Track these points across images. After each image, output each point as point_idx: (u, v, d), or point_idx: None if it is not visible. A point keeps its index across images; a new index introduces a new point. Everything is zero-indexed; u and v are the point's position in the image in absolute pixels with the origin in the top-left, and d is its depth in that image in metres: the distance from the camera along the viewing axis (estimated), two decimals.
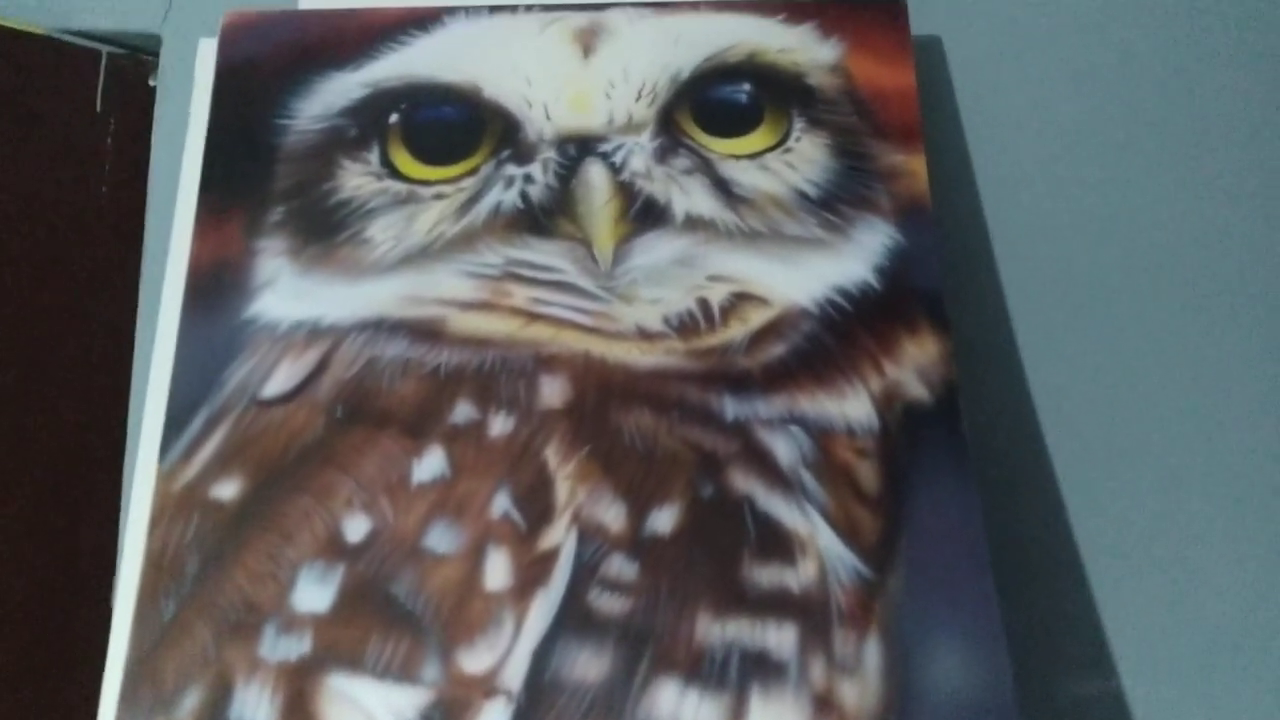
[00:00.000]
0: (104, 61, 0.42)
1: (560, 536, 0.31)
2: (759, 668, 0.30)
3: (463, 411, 0.33)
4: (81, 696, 0.34)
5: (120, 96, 0.42)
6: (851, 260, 0.36)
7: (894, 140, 0.37)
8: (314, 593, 0.31)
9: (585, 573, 0.31)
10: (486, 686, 0.30)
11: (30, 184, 0.41)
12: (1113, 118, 0.41)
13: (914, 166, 0.37)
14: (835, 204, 0.36)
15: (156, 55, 0.43)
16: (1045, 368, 0.39)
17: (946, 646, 0.31)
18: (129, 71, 0.43)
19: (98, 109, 0.42)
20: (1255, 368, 0.39)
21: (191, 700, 0.30)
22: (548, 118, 0.37)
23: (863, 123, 0.38)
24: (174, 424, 0.33)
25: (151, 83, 0.43)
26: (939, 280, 0.35)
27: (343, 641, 0.30)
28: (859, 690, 0.30)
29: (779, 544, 0.32)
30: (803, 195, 0.37)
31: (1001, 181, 0.41)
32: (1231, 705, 0.37)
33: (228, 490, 0.32)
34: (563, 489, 0.32)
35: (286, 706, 0.29)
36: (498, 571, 0.31)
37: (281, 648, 0.30)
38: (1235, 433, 0.39)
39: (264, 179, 0.36)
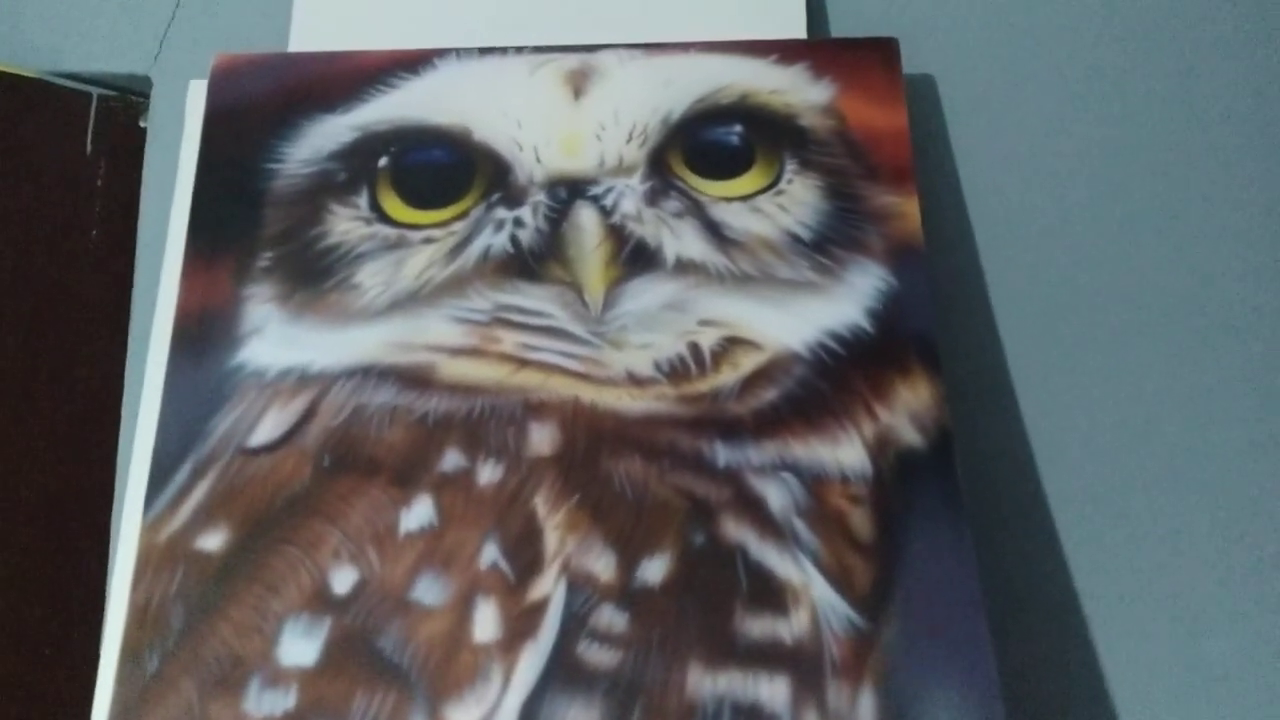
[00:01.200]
0: (94, 103, 0.42)
1: (549, 587, 0.31)
2: None
3: (451, 460, 0.33)
4: None
5: (111, 138, 0.42)
6: (843, 303, 0.35)
7: (886, 181, 0.37)
8: (300, 646, 0.30)
9: (575, 624, 0.31)
10: None
11: (20, 225, 0.40)
12: (1107, 157, 0.41)
13: (906, 208, 0.37)
14: (827, 246, 0.36)
15: (147, 97, 0.43)
16: (1039, 410, 0.39)
17: (941, 696, 0.30)
18: (119, 113, 0.43)
19: (88, 150, 0.42)
20: (1253, 409, 0.39)
21: None
22: (538, 160, 0.37)
23: (855, 164, 0.38)
24: (159, 474, 0.33)
25: (142, 124, 0.43)
26: (932, 323, 0.35)
27: (329, 696, 0.30)
28: None
29: (771, 594, 0.31)
30: (794, 238, 0.36)
31: (995, 221, 0.41)
32: None
33: (213, 541, 0.32)
34: (552, 538, 0.32)
35: None
36: (486, 623, 0.31)
37: (267, 703, 0.30)
38: (1232, 475, 0.38)
39: (252, 224, 0.36)
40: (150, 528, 0.32)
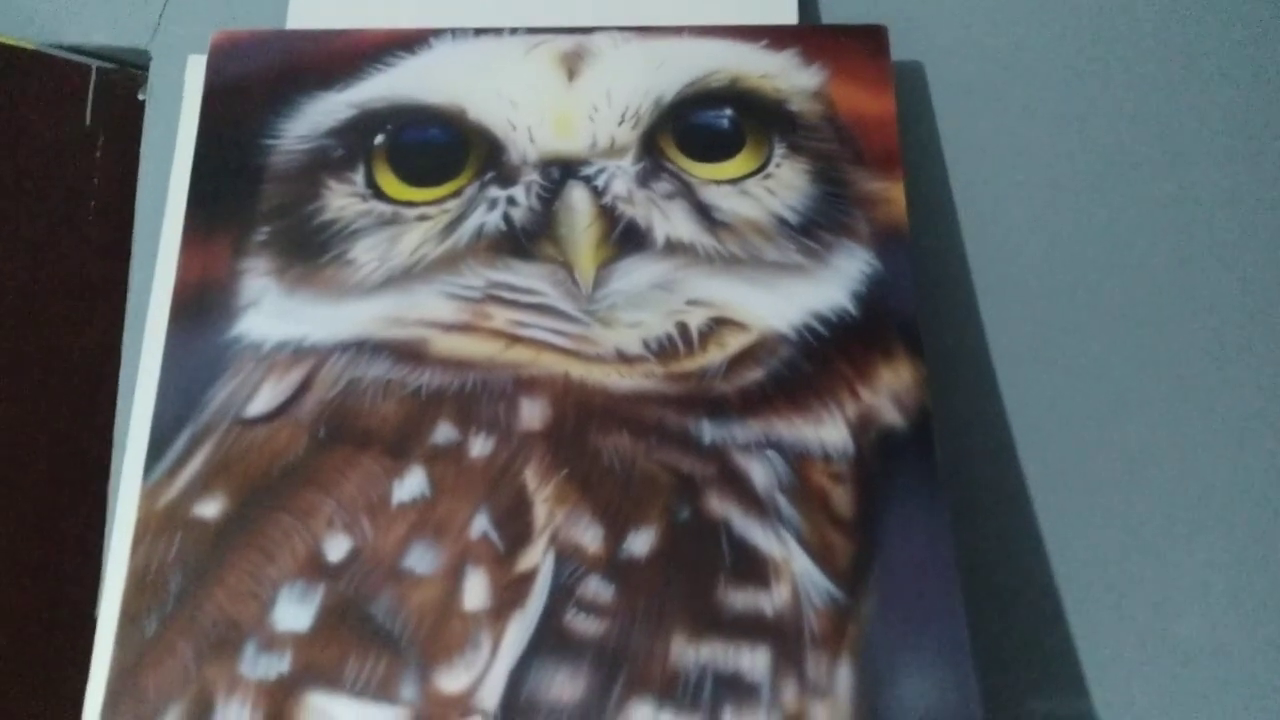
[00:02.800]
0: (94, 76, 0.43)
1: (538, 558, 0.32)
2: (732, 689, 0.31)
3: (443, 432, 0.33)
4: (64, 712, 0.34)
5: (110, 111, 0.42)
6: (830, 286, 0.36)
7: (874, 167, 0.38)
8: (294, 612, 0.31)
9: (562, 594, 0.31)
10: (463, 706, 0.30)
11: (19, 197, 0.41)
12: (1093, 145, 0.42)
13: (893, 193, 0.37)
14: (814, 230, 0.37)
15: (146, 70, 0.43)
16: (1019, 392, 0.39)
17: (917, 669, 0.31)
18: (118, 86, 0.43)
19: (87, 123, 0.42)
20: (1230, 392, 0.40)
21: (172, 717, 0.30)
22: (531, 140, 0.37)
23: (843, 149, 0.38)
24: (158, 442, 0.33)
25: (141, 97, 0.43)
26: (915, 306, 0.36)
27: (322, 660, 0.31)
28: (830, 712, 0.31)
29: (754, 567, 0.32)
30: (782, 221, 0.37)
31: (980, 208, 0.41)
32: None
33: (210, 509, 0.32)
34: (541, 511, 0.32)
35: None
36: (476, 592, 0.31)
37: (261, 666, 0.31)
38: (1208, 457, 0.39)
39: (250, 199, 0.37)
40: (149, 494, 0.33)
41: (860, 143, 0.38)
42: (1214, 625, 0.38)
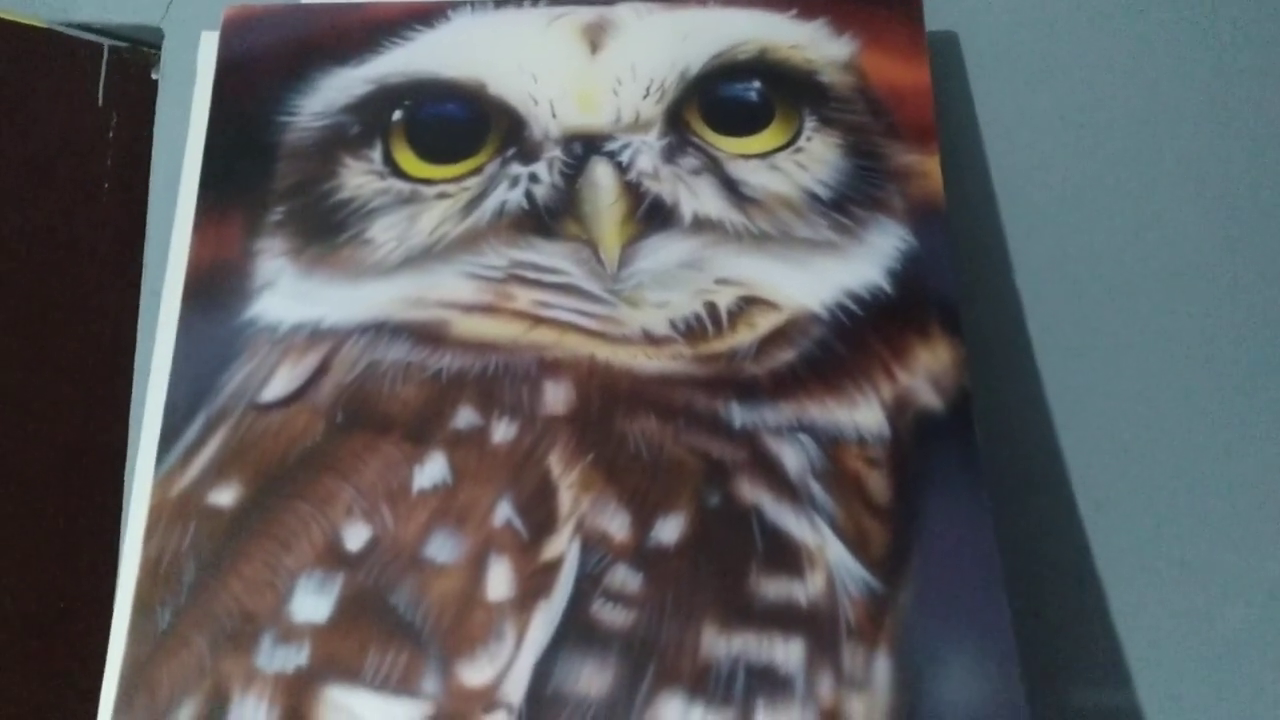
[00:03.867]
0: (106, 55, 0.42)
1: (563, 546, 0.31)
2: (765, 682, 0.30)
3: (465, 417, 0.32)
4: (81, 705, 0.34)
5: (122, 90, 0.42)
6: (863, 263, 0.35)
7: (908, 140, 0.37)
8: (312, 602, 0.30)
9: (588, 583, 0.30)
10: (487, 700, 0.29)
11: (32, 179, 0.40)
12: (1133, 115, 0.41)
13: (928, 167, 0.36)
14: (847, 205, 0.36)
15: (159, 48, 0.42)
16: (1061, 374, 0.38)
17: (958, 661, 0.30)
18: (131, 65, 0.42)
19: (100, 103, 0.41)
20: (1275, 374, 0.38)
21: (187, 712, 0.29)
22: (554, 115, 0.36)
23: (876, 122, 0.37)
24: (171, 428, 0.32)
25: (154, 76, 0.42)
26: (953, 284, 0.35)
27: (341, 652, 0.30)
28: (867, 706, 0.30)
29: (787, 556, 0.31)
30: (813, 196, 0.36)
31: (1018, 182, 0.40)
32: (1244, 715, 0.36)
33: (225, 496, 0.32)
34: (566, 497, 0.31)
35: (283, 718, 0.29)
36: (499, 582, 0.30)
37: (279, 658, 0.30)
38: (1255, 441, 0.38)
39: (265, 178, 0.36)
40: (162, 482, 0.32)
41: (893, 115, 0.37)
42: (1260, 615, 0.37)
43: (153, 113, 0.41)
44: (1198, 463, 0.38)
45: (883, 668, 0.30)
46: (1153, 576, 0.37)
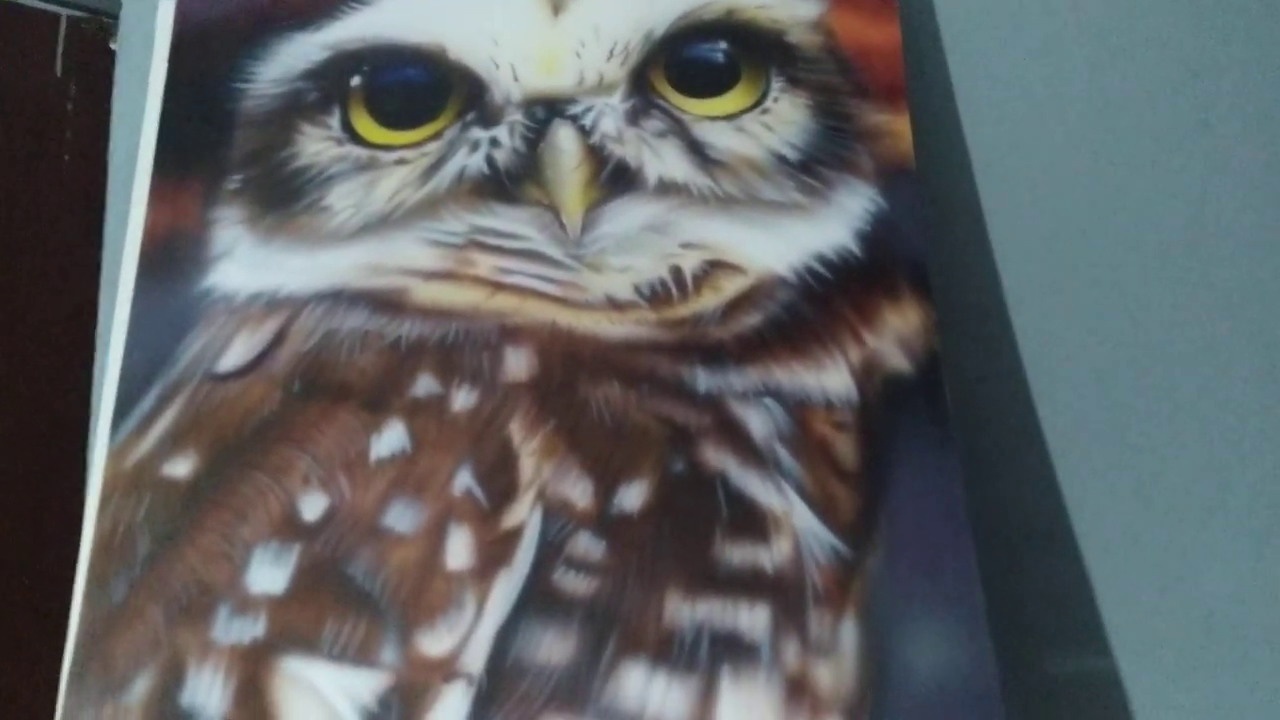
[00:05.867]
0: (64, 25, 0.41)
1: (524, 514, 0.30)
2: (730, 649, 0.29)
3: (424, 384, 0.32)
4: (49, 680, 0.33)
5: (80, 60, 0.41)
6: (831, 225, 0.34)
7: (877, 99, 0.36)
8: (268, 573, 0.30)
9: (550, 551, 0.30)
10: (447, 670, 0.29)
11: None
12: (1108, 74, 0.40)
13: (897, 127, 0.36)
14: (815, 167, 0.35)
15: (116, 18, 0.42)
16: (1032, 336, 0.38)
17: (927, 626, 0.30)
18: (89, 34, 0.42)
19: (58, 73, 0.41)
20: (1250, 338, 0.38)
21: (142, 684, 0.29)
22: (515, 79, 0.36)
23: (844, 81, 0.36)
24: (126, 399, 0.32)
25: (112, 46, 0.41)
26: (922, 246, 0.34)
27: (298, 624, 0.29)
28: (834, 672, 0.29)
29: (752, 521, 0.31)
30: (781, 158, 0.35)
31: (990, 142, 0.39)
32: (1222, 682, 0.36)
33: (181, 468, 0.31)
34: (527, 465, 0.31)
35: (240, 691, 0.29)
36: (459, 551, 0.30)
37: (235, 630, 0.29)
38: (1228, 404, 0.37)
39: (221, 145, 0.35)
40: (116, 454, 0.31)
41: (863, 75, 0.36)
42: (1239, 580, 0.36)
43: (111, 82, 0.41)
44: (1173, 425, 0.37)
45: (850, 633, 0.30)
46: (1128, 541, 0.37)
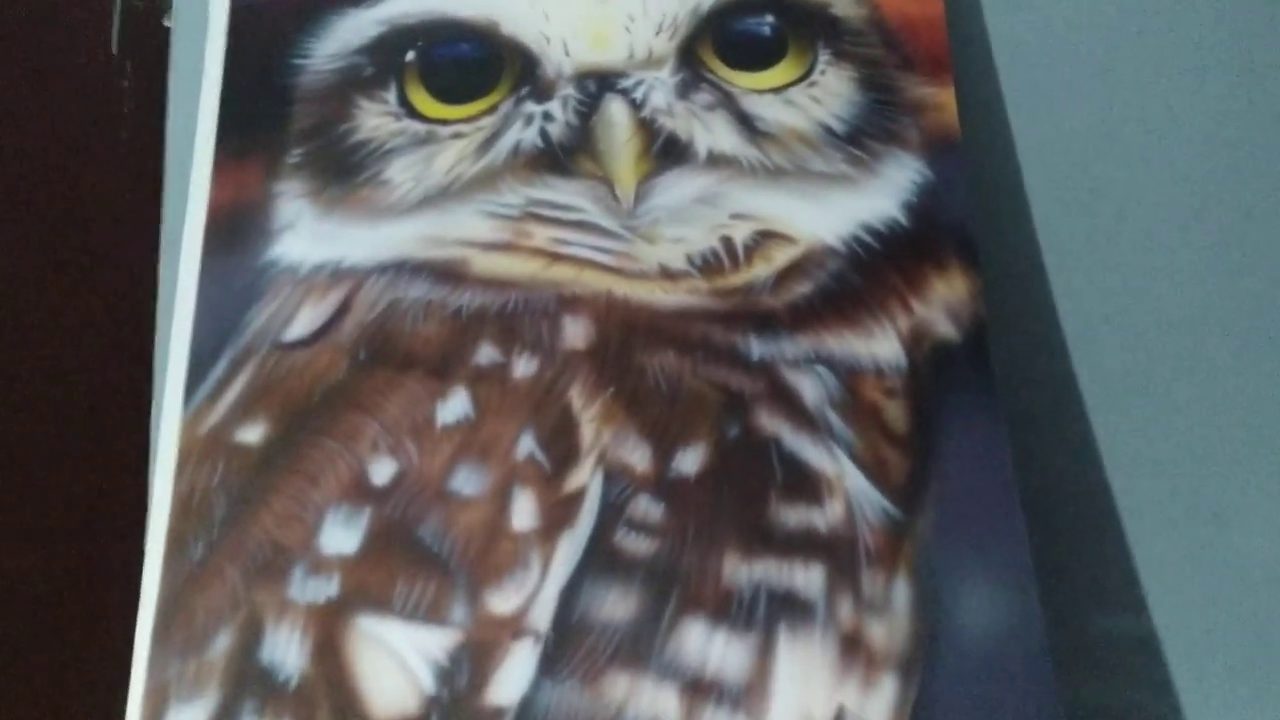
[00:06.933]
0: (119, 3, 0.42)
1: (586, 478, 0.31)
2: (786, 607, 0.30)
3: (486, 353, 0.33)
4: (114, 641, 0.34)
5: (136, 38, 0.42)
6: (878, 196, 0.35)
7: (922, 72, 0.37)
8: (341, 535, 0.31)
9: (611, 513, 0.31)
10: (514, 627, 0.30)
11: (49, 130, 0.40)
12: (1153, 44, 0.40)
13: (943, 99, 0.36)
14: (862, 139, 0.36)
15: None
16: (1076, 304, 0.38)
17: (976, 585, 0.31)
18: (144, 12, 0.42)
19: (114, 51, 0.41)
20: None
21: (223, 641, 0.30)
22: (566, 54, 0.36)
23: (890, 54, 0.37)
24: (197, 369, 0.33)
25: (166, 23, 0.42)
26: (968, 216, 0.35)
27: (370, 583, 0.30)
28: (887, 629, 0.30)
29: (806, 484, 0.31)
30: (828, 130, 0.36)
31: (1033, 113, 0.40)
32: (1261, 641, 0.36)
33: (253, 434, 0.32)
34: (588, 430, 0.32)
35: (316, 647, 0.30)
36: (524, 513, 0.31)
37: (310, 589, 0.30)
38: (1268, 368, 0.38)
39: (281, 121, 0.36)
40: (190, 421, 0.32)
41: (907, 47, 0.37)
42: (1277, 540, 0.37)
43: (166, 60, 0.41)
44: (1212, 389, 0.38)
45: (902, 592, 0.30)
46: (1169, 503, 0.37)
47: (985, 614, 0.30)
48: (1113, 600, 0.37)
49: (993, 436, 0.32)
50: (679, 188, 0.35)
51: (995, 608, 0.30)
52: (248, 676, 0.29)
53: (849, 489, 0.31)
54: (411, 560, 0.30)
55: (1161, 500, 0.37)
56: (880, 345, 0.33)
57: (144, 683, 0.30)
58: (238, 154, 0.36)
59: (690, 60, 0.36)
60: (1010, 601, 0.31)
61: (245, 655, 0.30)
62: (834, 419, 0.32)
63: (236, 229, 0.35)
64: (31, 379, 0.39)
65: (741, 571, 0.30)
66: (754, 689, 0.29)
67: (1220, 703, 0.36)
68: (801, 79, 0.36)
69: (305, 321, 0.33)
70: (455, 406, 0.32)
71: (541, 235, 0.34)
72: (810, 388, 0.32)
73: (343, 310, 0.33)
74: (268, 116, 0.36)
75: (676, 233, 0.34)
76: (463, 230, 0.34)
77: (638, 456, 0.31)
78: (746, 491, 0.31)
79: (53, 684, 0.37)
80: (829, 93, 0.36)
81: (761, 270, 0.34)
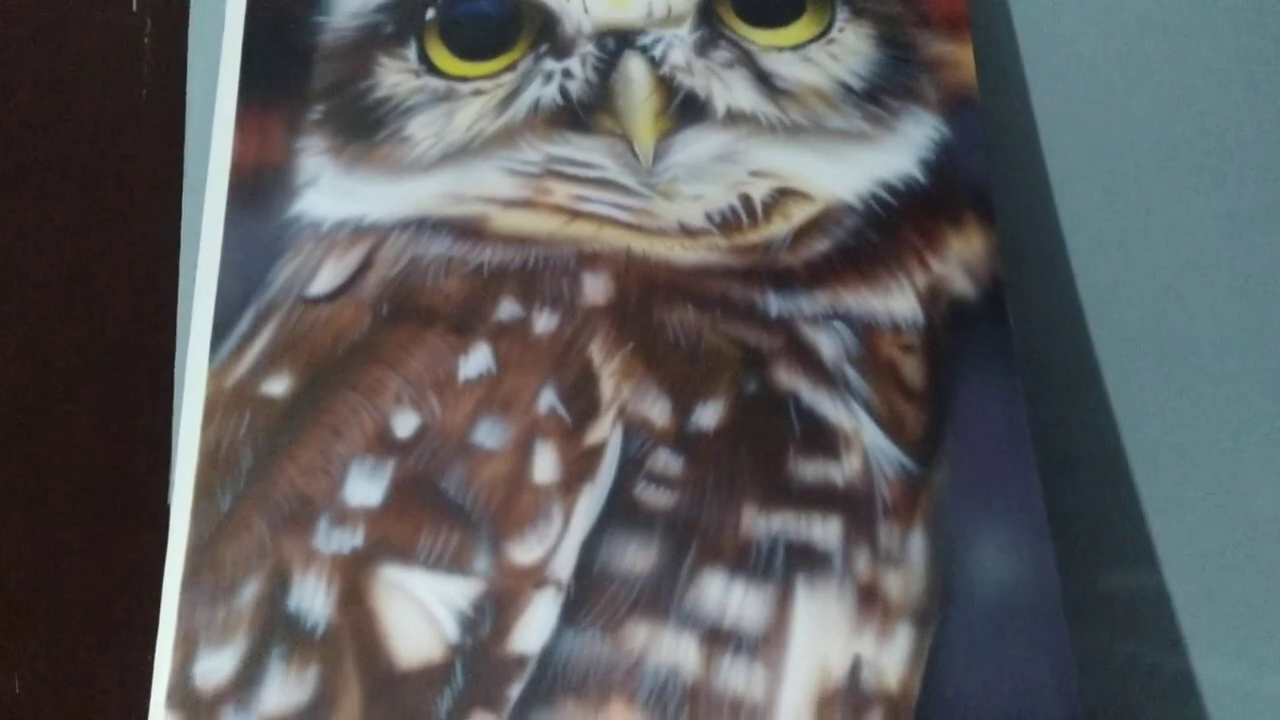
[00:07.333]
0: None
1: (606, 432, 0.32)
2: (804, 559, 0.30)
3: (507, 309, 0.33)
4: (141, 591, 0.35)
5: None
6: (896, 154, 0.35)
7: (940, 29, 0.37)
8: (365, 487, 0.31)
9: (631, 467, 0.31)
10: (536, 577, 0.30)
11: (69, 88, 0.41)
12: (1171, 3, 0.40)
13: (960, 56, 0.36)
14: (880, 96, 0.36)
15: None
16: (1092, 262, 0.38)
17: (991, 538, 0.31)
18: None
19: (134, 8, 0.41)
20: None
21: (251, 589, 0.30)
22: (585, 11, 0.36)
23: (908, 11, 0.37)
24: (223, 323, 0.33)
25: None
26: (986, 173, 0.35)
27: (395, 534, 0.31)
28: (903, 581, 0.30)
29: (824, 439, 0.32)
30: (846, 87, 0.36)
31: (1051, 71, 0.40)
32: (1269, 597, 0.37)
33: (278, 386, 0.32)
34: (608, 385, 0.32)
35: (342, 596, 0.30)
36: (545, 466, 0.31)
37: (335, 540, 0.31)
38: None
39: (303, 78, 0.36)
40: (217, 374, 0.33)
41: (926, 4, 0.37)
42: None
43: (186, 18, 0.41)
44: (1230, 346, 0.38)
45: (918, 545, 0.31)
46: (1182, 458, 0.37)
47: (1000, 566, 0.31)
48: (1125, 554, 0.37)
49: (1008, 392, 0.33)
50: (698, 145, 0.35)
51: (1010, 560, 0.31)
52: (275, 624, 0.30)
53: (866, 443, 0.32)
54: (435, 512, 0.31)
55: (1176, 455, 0.37)
56: (897, 302, 0.33)
57: (174, 629, 0.30)
58: (260, 110, 0.36)
59: (709, 18, 0.36)
60: (1025, 554, 0.31)
61: (272, 603, 0.30)
62: (851, 374, 0.32)
63: (259, 186, 0.35)
64: (55, 337, 0.39)
65: (760, 524, 0.31)
66: (771, 639, 0.30)
67: (1229, 656, 0.36)
68: (820, 36, 0.36)
69: (328, 277, 0.34)
70: (477, 361, 0.32)
71: (561, 192, 0.34)
72: (828, 344, 0.33)
73: (365, 266, 0.34)
74: (289, 74, 0.36)
75: (695, 190, 0.34)
76: (483, 187, 0.35)
77: (657, 411, 0.32)
78: (765, 446, 0.32)
79: (84, 631, 0.37)
80: (847, 50, 0.36)
81: (780, 227, 0.34)
